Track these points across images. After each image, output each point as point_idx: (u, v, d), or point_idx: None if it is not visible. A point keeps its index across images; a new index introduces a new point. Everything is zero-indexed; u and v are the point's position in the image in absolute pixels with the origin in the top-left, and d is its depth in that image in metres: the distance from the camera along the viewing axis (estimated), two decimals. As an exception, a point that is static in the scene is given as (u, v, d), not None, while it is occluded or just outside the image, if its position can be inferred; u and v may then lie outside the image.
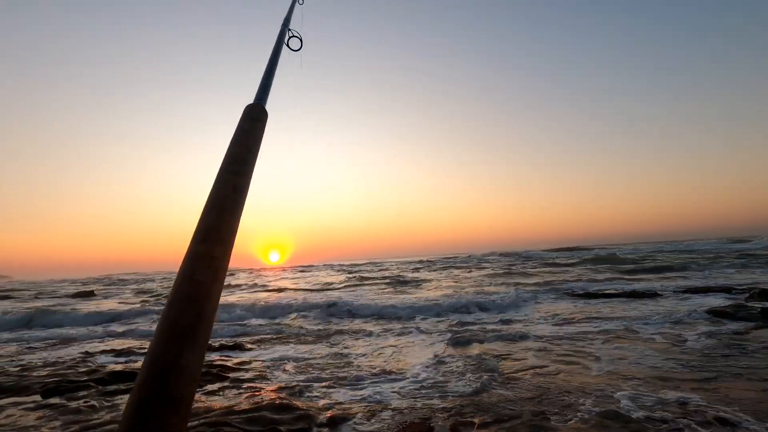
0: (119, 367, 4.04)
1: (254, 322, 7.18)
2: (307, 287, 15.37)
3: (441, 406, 2.82)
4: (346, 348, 4.88)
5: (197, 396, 3.15)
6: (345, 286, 14.87)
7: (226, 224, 0.59)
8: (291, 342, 5.37)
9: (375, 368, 3.87)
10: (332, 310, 7.88)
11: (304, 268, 37.06)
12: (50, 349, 5.44)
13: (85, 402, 3.05)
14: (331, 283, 16.46)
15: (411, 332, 5.67)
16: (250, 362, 4.24)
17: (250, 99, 1.00)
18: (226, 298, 12.10)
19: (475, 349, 4.45)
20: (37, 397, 3.20)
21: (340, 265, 40.39)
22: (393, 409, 2.79)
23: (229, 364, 4.11)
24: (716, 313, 5.57)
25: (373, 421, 2.62)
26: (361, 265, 37.34)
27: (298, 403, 2.92)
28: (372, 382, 3.43)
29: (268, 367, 4.04)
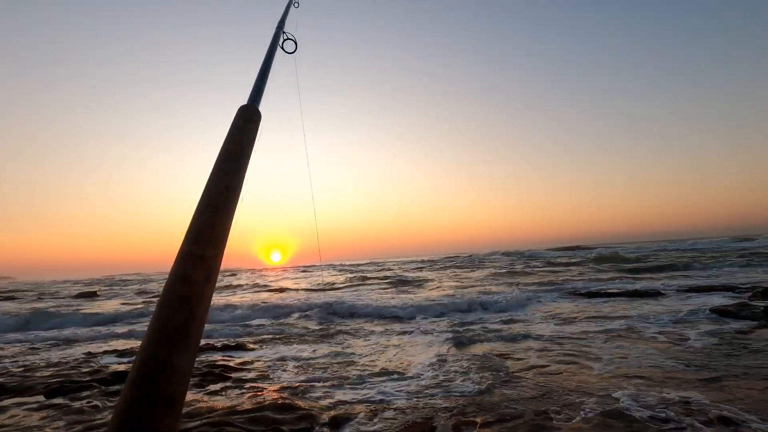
0: (122, 368, 4.06)
1: (256, 322, 7.19)
2: (308, 287, 15.40)
3: (443, 405, 2.82)
4: (348, 348, 4.88)
5: (200, 396, 3.15)
6: (346, 286, 14.89)
7: (219, 223, 0.59)
8: (293, 342, 5.38)
9: (377, 368, 3.87)
10: (334, 309, 7.88)
11: (305, 268, 37.13)
12: (53, 349, 5.46)
13: (88, 402, 3.06)
14: (333, 283, 16.48)
15: (412, 332, 5.67)
16: (252, 362, 4.25)
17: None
18: (228, 298, 12.13)
19: (476, 349, 4.44)
20: (41, 398, 3.21)
21: (341, 265, 40.41)
22: (395, 409, 2.79)
23: (231, 364, 4.12)
24: (719, 312, 5.54)
25: (375, 420, 2.62)
26: (363, 265, 37.35)
27: (300, 402, 2.92)
28: (374, 382, 3.43)
29: (270, 366, 4.04)
